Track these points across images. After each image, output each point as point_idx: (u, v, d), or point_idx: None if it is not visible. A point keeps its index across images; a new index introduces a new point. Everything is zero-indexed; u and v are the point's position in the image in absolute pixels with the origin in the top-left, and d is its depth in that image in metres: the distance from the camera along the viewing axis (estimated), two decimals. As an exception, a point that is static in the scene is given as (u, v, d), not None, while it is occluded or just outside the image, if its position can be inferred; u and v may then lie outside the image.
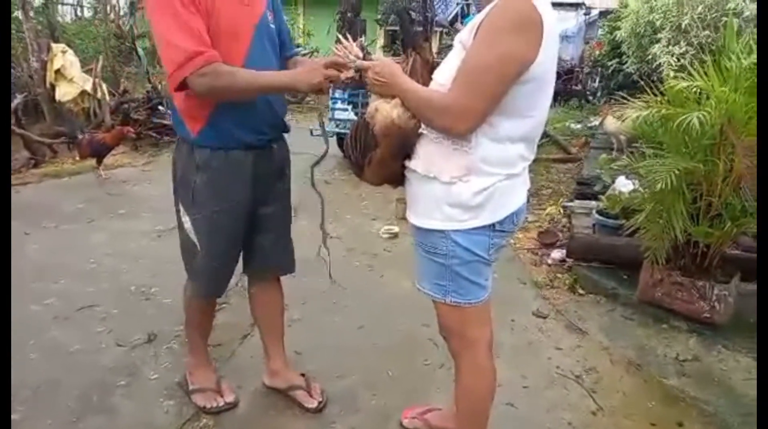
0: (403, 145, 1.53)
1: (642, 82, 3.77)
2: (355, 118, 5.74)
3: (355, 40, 1.68)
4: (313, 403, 2.14)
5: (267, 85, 1.69)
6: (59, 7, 10.85)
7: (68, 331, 2.61)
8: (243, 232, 1.94)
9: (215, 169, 1.79)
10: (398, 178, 1.63)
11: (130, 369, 2.34)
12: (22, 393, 2.16)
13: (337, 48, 1.65)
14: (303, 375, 2.22)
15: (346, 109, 6.00)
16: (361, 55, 1.61)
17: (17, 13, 8.67)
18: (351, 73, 1.62)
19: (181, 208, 1.89)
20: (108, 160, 5.46)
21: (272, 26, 1.84)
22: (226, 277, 2.00)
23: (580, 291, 3.17)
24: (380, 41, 15.60)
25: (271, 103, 1.82)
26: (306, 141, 6.25)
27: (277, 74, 1.72)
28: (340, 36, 1.68)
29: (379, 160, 1.56)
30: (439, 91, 1.44)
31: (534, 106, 1.44)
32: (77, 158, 5.61)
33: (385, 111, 1.48)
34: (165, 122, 6.76)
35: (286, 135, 1.99)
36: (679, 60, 4.70)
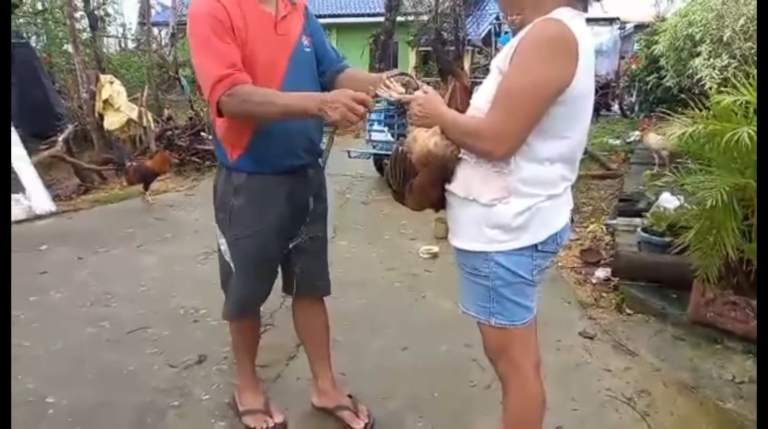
0: (442, 173, 1.55)
1: (683, 96, 3.72)
2: (392, 139, 5.81)
3: (389, 64, 1.68)
4: (360, 425, 2.14)
5: (283, 108, 1.65)
6: (104, 39, 11.38)
7: (122, 352, 2.69)
8: (279, 255, 1.97)
9: (252, 192, 1.84)
10: (439, 203, 1.64)
11: (182, 390, 2.40)
12: (80, 414, 2.24)
13: (380, 89, 1.66)
14: (350, 396, 2.24)
15: (383, 131, 6.07)
16: (403, 91, 1.63)
17: (67, 46, 9.15)
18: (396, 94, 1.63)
19: (218, 231, 1.94)
20: (154, 185, 5.65)
21: (308, 50, 1.88)
22: (258, 299, 2.05)
23: (628, 310, 3.10)
24: (412, 62, 15.77)
25: (308, 129, 1.87)
26: (343, 163, 6.39)
27: (295, 97, 1.66)
28: (385, 79, 1.67)
29: (419, 188, 1.59)
30: (477, 117, 1.46)
31: (572, 127, 1.44)
32: (125, 184, 5.83)
33: (422, 140, 1.50)
34: (207, 148, 6.98)
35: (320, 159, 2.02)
36: (721, 73, 4.61)
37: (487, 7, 17.27)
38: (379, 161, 6.24)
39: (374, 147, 6.12)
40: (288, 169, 1.86)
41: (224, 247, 1.93)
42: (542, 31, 1.34)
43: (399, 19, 12.89)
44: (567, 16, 1.36)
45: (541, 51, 1.33)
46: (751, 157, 2.48)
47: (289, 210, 1.90)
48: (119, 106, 6.96)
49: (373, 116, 6.14)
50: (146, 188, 5.49)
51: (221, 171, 1.92)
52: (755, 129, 2.29)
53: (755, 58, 4.28)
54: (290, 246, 1.98)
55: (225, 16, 1.66)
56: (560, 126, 1.41)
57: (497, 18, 15.70)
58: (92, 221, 4.93)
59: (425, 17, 13.33)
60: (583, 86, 1.39)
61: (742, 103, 2.49)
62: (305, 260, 2.04)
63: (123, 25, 12.85)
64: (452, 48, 12.89)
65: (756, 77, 2.50)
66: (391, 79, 1.67)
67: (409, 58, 15.96)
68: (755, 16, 4.59)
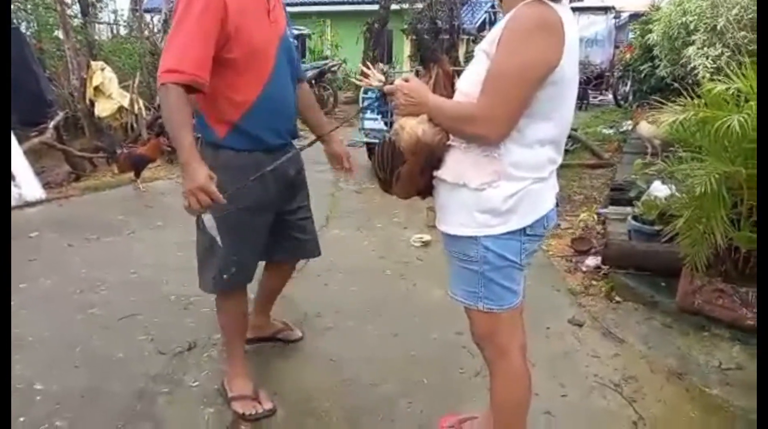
0: (430, 160, 1.55)
1: (676, 85, 3.72)
2: (385, 127, 5.79)
3: (379, 55, 1.80)
4: (298, 333, 2.63)
5: (177, 133, 1.70)
6: (96, 25, 11.24)
7: (112, 339, 2.68)
8: (267, 228, 2.09)
9: (239, 169, 1.89)
10: (426, 190, 1.65)
11: (172, 377, 2.40)
12: (69, 401, 2.23)
13: (360, 78, 1.76)
14: (283, 322, 2.62)
15: (376, 119, 6.05)
16: (383, 79, 1.67)
17: (57, 33, 9.03)
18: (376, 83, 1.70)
19: None
20: (145, 173, 5.61)
21: (291, 40, 2.02)
22: (247, 270, 2.13)
23: (617, 298, 3.12)
24: (407, 50, 15.66)
25: (291, 110, 2.04)
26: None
27: (187, 150, 1.69)
28: (362, 67, 1.77)
29: (407, 176, 1.59)
30: (465, 102, 1.46)
31: (559, 109, 1.45)
32: (116, 172, 5.78)
33: (410, 128, 1.50)
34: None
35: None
36: (714, 62, 4.61)
37: (482, -4, 17.15)
38: (371, 150, 6.22)
39: (366, 135, 6.10)
40: (274, 146, 1.98)
41: (210, 223, 1.90)
42: (527, 14, 1.35)
43: (394, 7, 12.79)
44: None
45: (528, 33, 1.34)
46: (741, 145, 2.48)
47: (275, 185, 2.00)
48: (110, 93, 6.89)
49: (366, 104, 6.11)
50: (137, 176, 5.46)
51: (206, 149, 1.95)
52: (745, 116, 2.30)
53: (748, 47, 4.28)
54: (285, 219, 2.16)
55: (221, 4, 1.70)
56: (548, 108, 1.42)
57: (492, 6, 15.63)
58: (83, 209, 4.90)
59: (420, 5, 13.22)
60: (570, 68, 1.40)
61: (733, 91, 2.50)
62: (301, 230, 2.25)
63: (115, 12, 12.66)
64: (447, 36, 12.81)
65: (749, 65, 2.50)
66: (370, 67, 1.72)
67: (404, 47, 15.85)
68: (749, 5, 4.59)
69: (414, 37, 13.10)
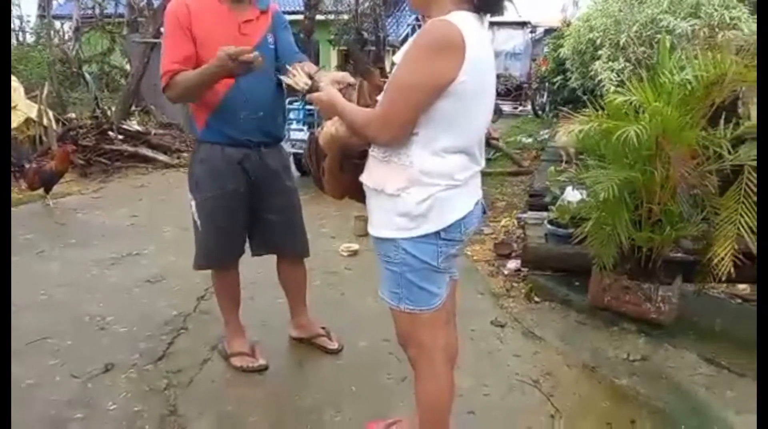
0: (345, 156, 1.69)
1: (585, 97, 3.96)
2: (311, 138, 5.80)
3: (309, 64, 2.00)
4: (334, 345, 2.64)
5: (201, 76, 2.03)
6: None
7: (20, 365, 2.49)
8: (241, 217, 2.32)
9: (211, 161, 2.22)
10: (357, 192, 1.72)
11: (87, 401, 2.28)
12: (-29, 433, 2.07)
13: (288, 75, 1.91)
14: (324, 328, 2.69)
15: (302, 130, 6.05)
16: (309, 82, 1.82)
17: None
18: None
19: (189, 194, 2.30)
20: (56, 188, 5.29)
21: (271, 47, 2.24)
22: (224, 253, 2.37)
23: (536, 299, 3.27)
24: (334, 61, 15.73)
25: (261, 112, 2.22)
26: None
27: (206, 67, 2.02)
28: (290, 68, 1.93)
29: (328, 170, 1.75)
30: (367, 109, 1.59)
31: (462, 119, 1.52)
32: (24, 187, 5.43)
33: (326, 127, 1.67)
34: (115, 148, 6.63)
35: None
36: (618, 75, 4.93)
37: (406, 8, 17.47)
38: (298, 160, 6.18)
39: (293, 146, 6.05)
40: (242, 143, 2.21)
41: (193, 209, 2.29)
42: (428, 30, 1.44)
43: (319, 17, 12.83)
44: (460, 17, 1.44)
45: (427, 48, 1.44)
46: (639, 152, 2.69)
47: (246, 180, 2.24)
48: (16, 105, 6.47)
49: (292, 116, 6.09)
50: (47, 191, 5.14)
51: (195, 143, 2.34)
52: (641, 127, 2.49)
53: (647, 62, 4.62)
54: (258, 214, 2.35)
55: (185, 15, 2.05)
56: (453, 119, 1.50)
57: (417, 19, 15.99)
58: (-14, 227, 4.55)
59: (345, 16, 13.34)
60: (474, 82, 1.47)
61: (633, 103, 2.69)
62: (273, 227, 2.40)
63: (20, 17, 11.93)
64: (373, 48, 12.99)
65: (646, 78, 2.71)
66: (297, 68, 1.89)
67: (331, 58, 15.90)
68: (647, 24, 4.97)
69: (343, 48, 13.21)
